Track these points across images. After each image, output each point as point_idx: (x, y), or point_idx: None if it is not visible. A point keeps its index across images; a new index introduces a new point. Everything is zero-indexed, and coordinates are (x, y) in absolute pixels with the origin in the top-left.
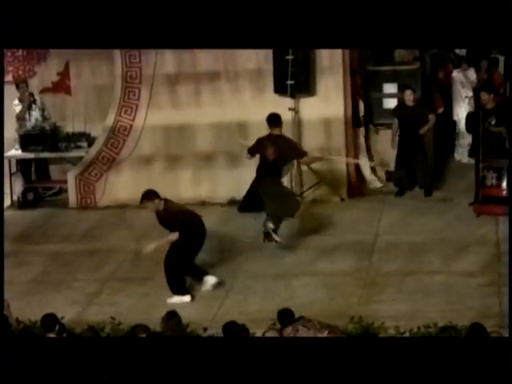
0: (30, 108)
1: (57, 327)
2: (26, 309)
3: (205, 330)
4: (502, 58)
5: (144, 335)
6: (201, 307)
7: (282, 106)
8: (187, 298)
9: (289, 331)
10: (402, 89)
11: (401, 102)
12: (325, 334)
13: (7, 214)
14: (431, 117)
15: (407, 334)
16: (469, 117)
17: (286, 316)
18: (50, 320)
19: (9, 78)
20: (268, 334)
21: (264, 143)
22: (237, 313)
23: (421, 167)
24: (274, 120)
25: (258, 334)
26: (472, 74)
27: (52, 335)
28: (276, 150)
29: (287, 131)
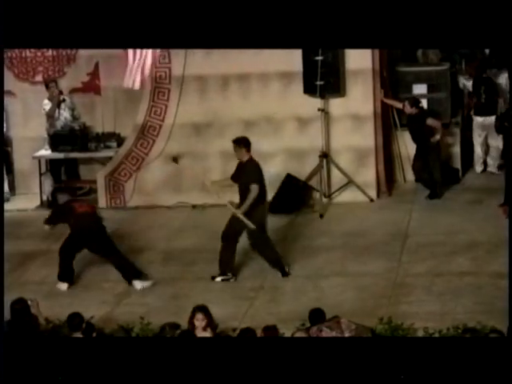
0: (59, 107)
1: (83, 326)
2: (55, 308)
3: (234, 330)
4: None
5: (174, 333)
6: (230, 307)
7: (312, 106)
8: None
9: (313, 331)
10: (403, 101)
11: (407, 114)
12: (348, 334)
13: (37, 213)
14: (430, 121)
15: (436, 335)
16: (499, 118)
17: (316, 316)
18: (76, 319)
19: (38, 77)
20: (297, 335)
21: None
22: (266, 313)
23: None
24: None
25: (287, 334)
26: (503, 77)
27: (78, 335)
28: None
29: (317, 132)
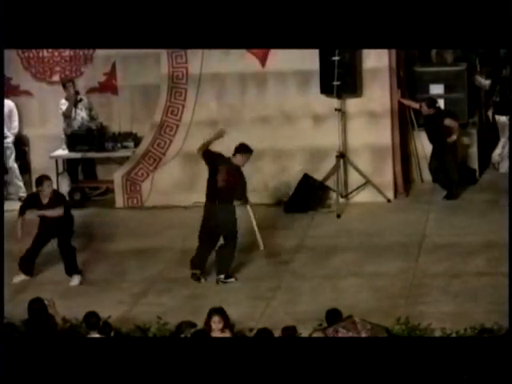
0: (75, 106)
1: (100, 325)
2: (72, 308)
3: (251, 330)
4: None
5: (190, 332)
6: (247, 307)
7: (329, 106)
8: None
9: (330, 332)
10: (420, 102)
11: (424, 114)
12: (365, 335)
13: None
14: (448, 122)
15: (453, 336)
16: None
17: (333, 316)
18: (92, 318)
19: (56, 77)
20: (314, 335)
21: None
22: (283, 313)
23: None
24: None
25: (304, 334)
26: None
27: (95, 334)
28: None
29: (334, 132)
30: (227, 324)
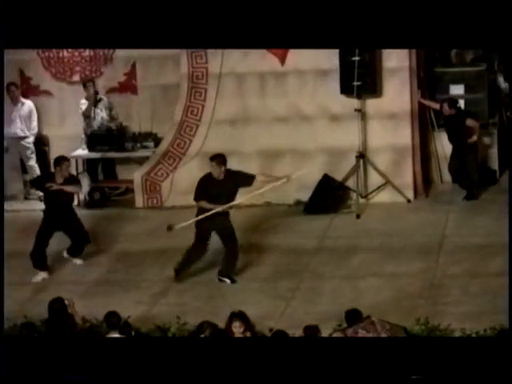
0: (95, 106)
1: (121, 325)
2: (92, 308)
3: (270, 330)
4: None
5: (209, 332)
6: (267, 307)
7: (349, 106)
8: None
9: (349, 333)
10: (441, 102)
11: (445, 115)
12: (384, 335)
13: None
14: (469, 122)
15: (473, 336)
16: None
17: (353, 316)
18: (114, 318)
19: (76, 77)
20: (335, 335)
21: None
22: (303, 313)
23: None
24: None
25: (324, 334)
26: None
27: (115, 334)
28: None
29: (354, 132)
30: (248, 327)
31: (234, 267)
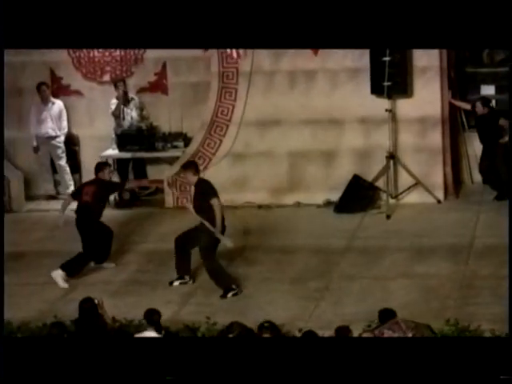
0: (125, 106)
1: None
2: (121, 308)
3: (299, 330)
4: None
5: (237, 332)
6: (296, 308)
7: (379, 106)
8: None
9: (376, 333)
10: (473, 102)
11: (477, 115)
12: (410, 334)
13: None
14: (503, 121)
15: (503, 337)
16: None
17: (387, 316)
18: (155, 315)
19: (106, 77)
20: (364, 335)
21: None
22: (332, 314)
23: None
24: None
25: (354, 335)
26: None
27: (152, 331)
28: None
29: (384, 132)
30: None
31: (222, 281)
